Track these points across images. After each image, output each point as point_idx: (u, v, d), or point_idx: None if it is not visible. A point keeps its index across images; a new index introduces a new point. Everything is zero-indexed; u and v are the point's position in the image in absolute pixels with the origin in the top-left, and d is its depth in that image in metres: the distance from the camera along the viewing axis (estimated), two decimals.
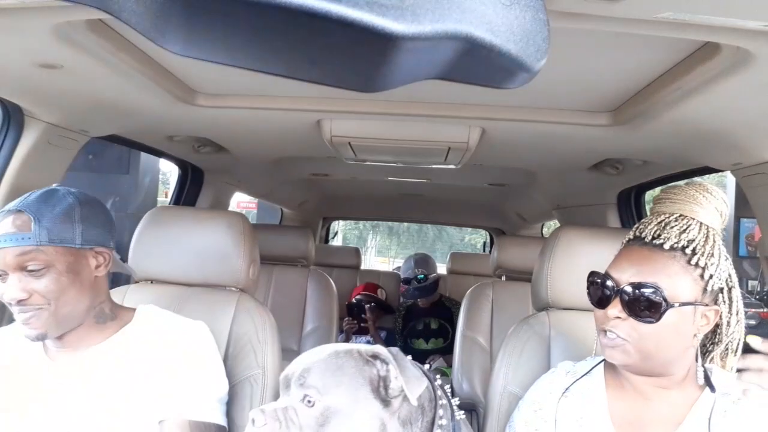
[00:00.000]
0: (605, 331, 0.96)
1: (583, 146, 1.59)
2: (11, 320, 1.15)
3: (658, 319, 0.90)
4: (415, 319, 3.26)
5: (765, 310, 8.65)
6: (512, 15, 0.45)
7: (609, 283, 0.96)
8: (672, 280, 0.91)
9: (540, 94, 1.23)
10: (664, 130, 1.27)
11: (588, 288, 1.01)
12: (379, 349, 0.94)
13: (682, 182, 1.03)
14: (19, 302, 1.02)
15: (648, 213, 1.05)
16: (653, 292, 0.91)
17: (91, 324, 1.14)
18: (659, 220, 0.97)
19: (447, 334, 3.20)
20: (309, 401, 0.90)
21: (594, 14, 0.69)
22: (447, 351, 3.14)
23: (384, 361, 0.92)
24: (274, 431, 0.89)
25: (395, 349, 0.94)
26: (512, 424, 1.12)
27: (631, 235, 1.01)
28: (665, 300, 0.90)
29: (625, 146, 1.53)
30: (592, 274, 1.01)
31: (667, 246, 0.93)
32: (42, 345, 1.13)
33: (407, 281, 3.39)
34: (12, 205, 1.05)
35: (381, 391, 0.92)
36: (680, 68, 0.99)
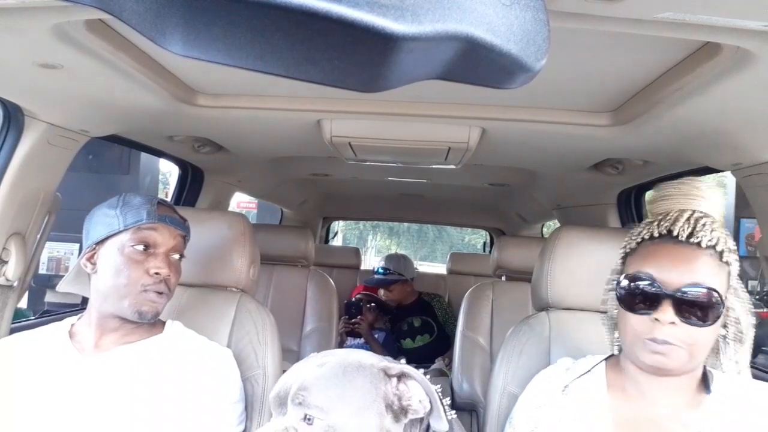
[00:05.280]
0: (654, 339, 0.89)
1: (583, 146, 1.59)
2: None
3: (714, 321, 0.87)
4: (399, 321, 3.28)
5: (765, 310, 8.63)
6: (512, 15, 0.45)
7: (655, 285, 0.90)
8: (715, 279, 0.89)
9: (540, 94, 1.23)
10: (664, 130, 1.27)
11: (625, 293, 0.93)
12: (410, 370, 0.89)
13: (679, 180, 1.00)
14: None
15: (649, 212, 1.03)
16: (710, 295, 0.87)
17: (134, 324, 1.18)
18: (686, 216, 0.93)
19: (432, 329, 3.21)
20: (309, 420, 0.85)
21: (594, 14, 0.69)
22: (437, 347, 3.15)
23: (409, 379, 0.89)
24: None
25: (421, 374, 0.90)
26: (512, 421, 1.12)
27: (655, 232, 0.95)
28: (722, 302, 0.88)
29: (625, 146, 1.53)
30: (634, 278, 0.92)
31: (704, 244, 0.90)
32: (73, 344, 1.17)
33: (375, 272, 3.45)
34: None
35: (396, 409, 0.88)
36: (680, 68, 0.99)
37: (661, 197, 0.99)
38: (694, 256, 0.91)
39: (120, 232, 1.14)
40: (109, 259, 1.14)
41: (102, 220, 1.16)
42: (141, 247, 1.14)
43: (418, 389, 0.88)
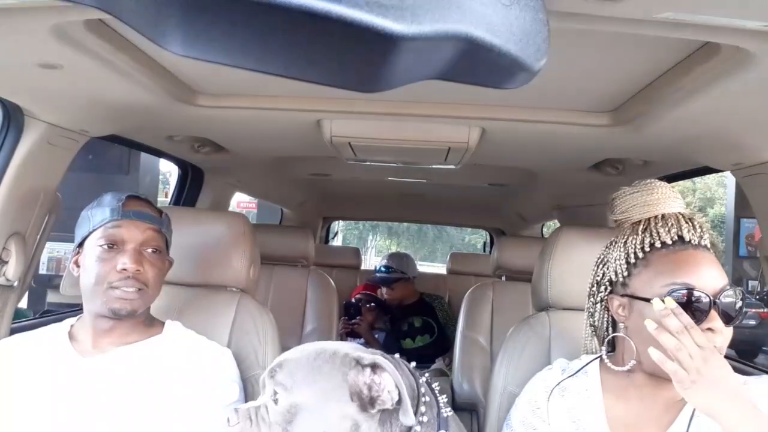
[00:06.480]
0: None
1: (583, 146, 1.59)
2: None
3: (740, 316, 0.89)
4: (399, 321, 3.28)
5: (765, 310, 8.64)
6: (512, 15, 0.45)
7: (700, 296, 0.87)
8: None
9: (540, 94, 1.23)
10: (664, 130, 1.27)
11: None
12: (383, 361, 0.90)
13: (643, 184, 1.02)
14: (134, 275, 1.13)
15: (622, 220, 1.03)
16: (741, 294, 0.89)
17: (135, 322, 1.18)
18: (685, 220, 0.94)
19: (432, 329, 3.21)
20: (275, 398, 0.91)
21: (594, 14, 0.69)
22: (437, 347, 3.15)
23: (382, 370, 0.90)
24: (245, 429, 0.93)
25: (397, 363, 0.91)
26: (510, 423, 1.11)
27: (667, 239, 0.93)
28: (744, 297, 0.90)
29: (625, 146, 1.53)
30: (679, 289, 0.89)
31: (709, 245, 0.92)
32: (72, 345, 1.17)
33: (378, 270, 3.45)
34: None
35: (364, 398, 0.90)
36: (680, 68, 0.99)
37: (641, 203, 0.99)
38: (712, 259, 0.92)
39: (91, 232, 1.15)
40: (85, 261, 1.15)
41: (83, 222, 1.18)
42: (106, 246, 1.13)
43: (390, 381, 0.89)
